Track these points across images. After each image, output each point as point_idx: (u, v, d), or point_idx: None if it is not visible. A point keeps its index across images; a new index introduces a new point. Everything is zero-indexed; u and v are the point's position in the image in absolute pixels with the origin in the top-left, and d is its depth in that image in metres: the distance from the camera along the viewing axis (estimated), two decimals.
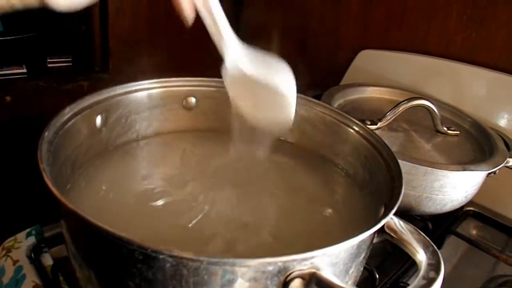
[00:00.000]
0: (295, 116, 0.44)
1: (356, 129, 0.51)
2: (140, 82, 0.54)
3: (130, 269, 0.29)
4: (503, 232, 0.63)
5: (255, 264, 0.27)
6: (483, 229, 0.64)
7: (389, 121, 0.61)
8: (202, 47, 1.05)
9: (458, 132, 0.63)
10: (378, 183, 0.45)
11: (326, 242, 0.29)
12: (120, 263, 0.30)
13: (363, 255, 0.35)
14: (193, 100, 0.58)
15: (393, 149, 0.56)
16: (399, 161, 0.50)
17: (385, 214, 0.34)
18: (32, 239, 0.53)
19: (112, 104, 0.51)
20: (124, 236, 0.27)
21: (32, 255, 0.50)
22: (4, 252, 0.52)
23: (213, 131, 0.59)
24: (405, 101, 0.60)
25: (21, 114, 0.85)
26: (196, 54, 1.03)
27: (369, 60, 0.81)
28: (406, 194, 0.53)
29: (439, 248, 0.57)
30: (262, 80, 0.41)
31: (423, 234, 0.34)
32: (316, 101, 0.54)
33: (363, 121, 0.61)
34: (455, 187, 0.52)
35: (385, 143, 0.46)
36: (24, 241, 0.53)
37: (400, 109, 0.60)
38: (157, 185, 0.50)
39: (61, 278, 0.48)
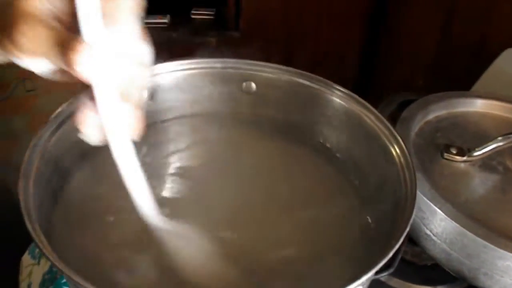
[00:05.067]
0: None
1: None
2: (199, 60, 0.53)
3: None
4: None
5: None
6: None
7: (486, 154, 0.46)
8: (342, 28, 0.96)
9: None
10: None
11: None
12: None
13: None
14: (253, 85, 0.54)
15: (466, 195, 0.44)
16: (447, 218, 0.39)
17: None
18: None
19: (165, 79, 0.51)
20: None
21: None
22: None
23: (270, 119, 0.55)
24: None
25: None
26: (331, 36, 0.96)
27: None
28: (458, 259, 0.41)
29: None
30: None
31: None
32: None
33: (447, 146, 0.48)
34: None
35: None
36: None
37: (504, 143, 0.45)
38: (190, 164, 0.49)
39: None
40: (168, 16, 1.03)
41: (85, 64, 0.24)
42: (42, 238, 0.31)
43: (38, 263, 0.51)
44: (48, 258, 0.29)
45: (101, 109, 0.26)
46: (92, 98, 0.26)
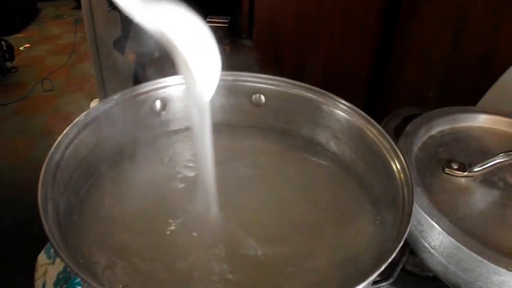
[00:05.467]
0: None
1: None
2: None
3: None
4: None
5: None
6: None
7: (487, 170, 0.47)
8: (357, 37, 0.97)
9: None
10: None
11: None
12: None
13: None
14: (262, 97, 0.56)
15: (465, 210, 0.45)
16: (443, 232, 0.40)
17: None
18: None
19: (177, 91, 0.53)
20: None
21: None
22: None
23: (278, 130, 0.56)
24: None
25: None
26: (343, 46, 0.97)
27: None
28: (454, 273, 0.42)
29: None
30: None
31: None
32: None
33: (449, 161, 0.49)
34: None
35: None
36: None
37: (505, 159, 0.46)
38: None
39: None
40: None
41: None
42: (58, 240, 0.34)
43: (53, 263, 0.53)
44: (63, 260, 0.31)
45: None
46: None
